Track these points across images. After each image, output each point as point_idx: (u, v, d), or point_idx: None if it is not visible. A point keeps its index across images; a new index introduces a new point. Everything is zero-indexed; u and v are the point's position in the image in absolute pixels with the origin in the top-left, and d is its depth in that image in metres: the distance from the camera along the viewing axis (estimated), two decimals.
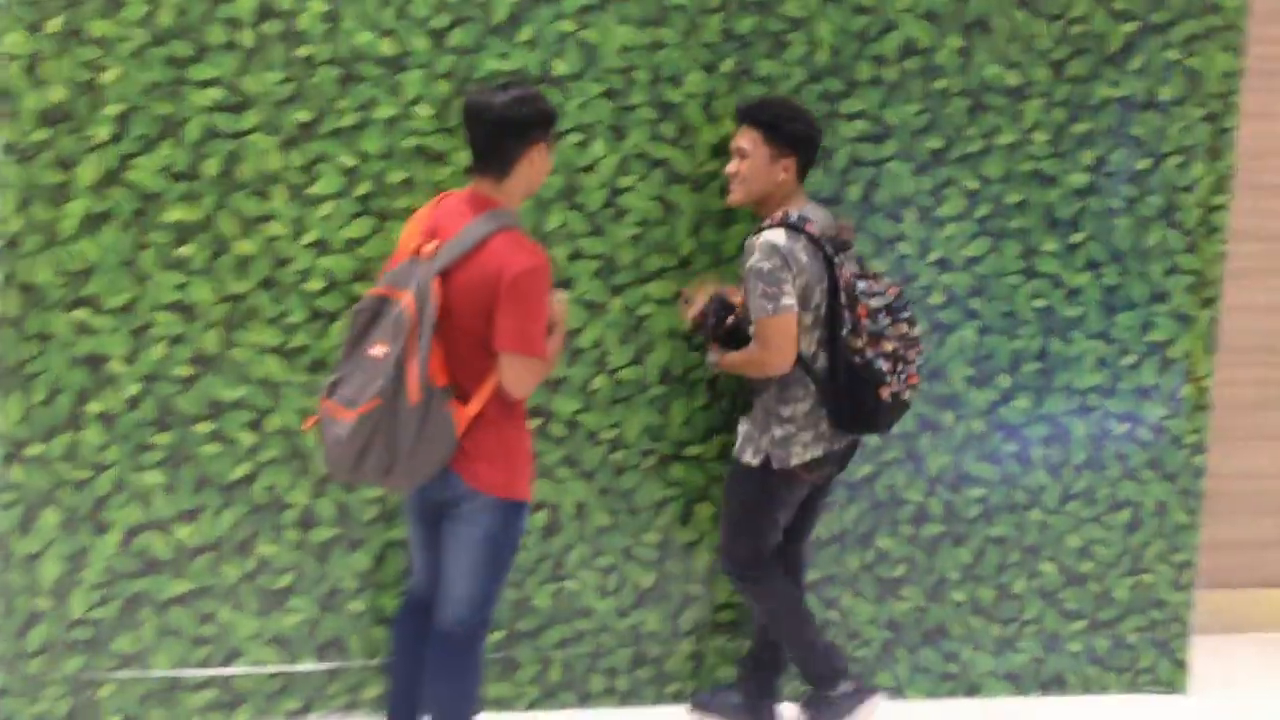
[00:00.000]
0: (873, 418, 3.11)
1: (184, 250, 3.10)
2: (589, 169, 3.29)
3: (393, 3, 3.12)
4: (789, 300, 3.05)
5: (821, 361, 3.14)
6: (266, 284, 3.14)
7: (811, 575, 3.55)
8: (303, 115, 3.11)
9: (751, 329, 3.10)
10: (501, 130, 2.63)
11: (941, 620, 3.64)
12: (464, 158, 3.21)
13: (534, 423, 3.33)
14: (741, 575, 3.26)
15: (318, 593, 3.26)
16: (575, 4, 3.22)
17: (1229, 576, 4.35)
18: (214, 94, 3.06)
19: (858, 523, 3.57)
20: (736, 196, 3.17)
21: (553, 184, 3.27)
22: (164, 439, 3.13)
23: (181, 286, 3.11)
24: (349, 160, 3.15)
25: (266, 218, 3.12)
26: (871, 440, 3.55)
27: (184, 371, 3.12)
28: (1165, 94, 3.56)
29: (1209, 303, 3.67)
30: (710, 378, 3.43)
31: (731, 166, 3.16)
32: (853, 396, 3.10)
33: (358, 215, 3.17)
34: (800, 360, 3.13)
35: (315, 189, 3.14)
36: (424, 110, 3.18)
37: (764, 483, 3.18)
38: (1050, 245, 3.58)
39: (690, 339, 3.39)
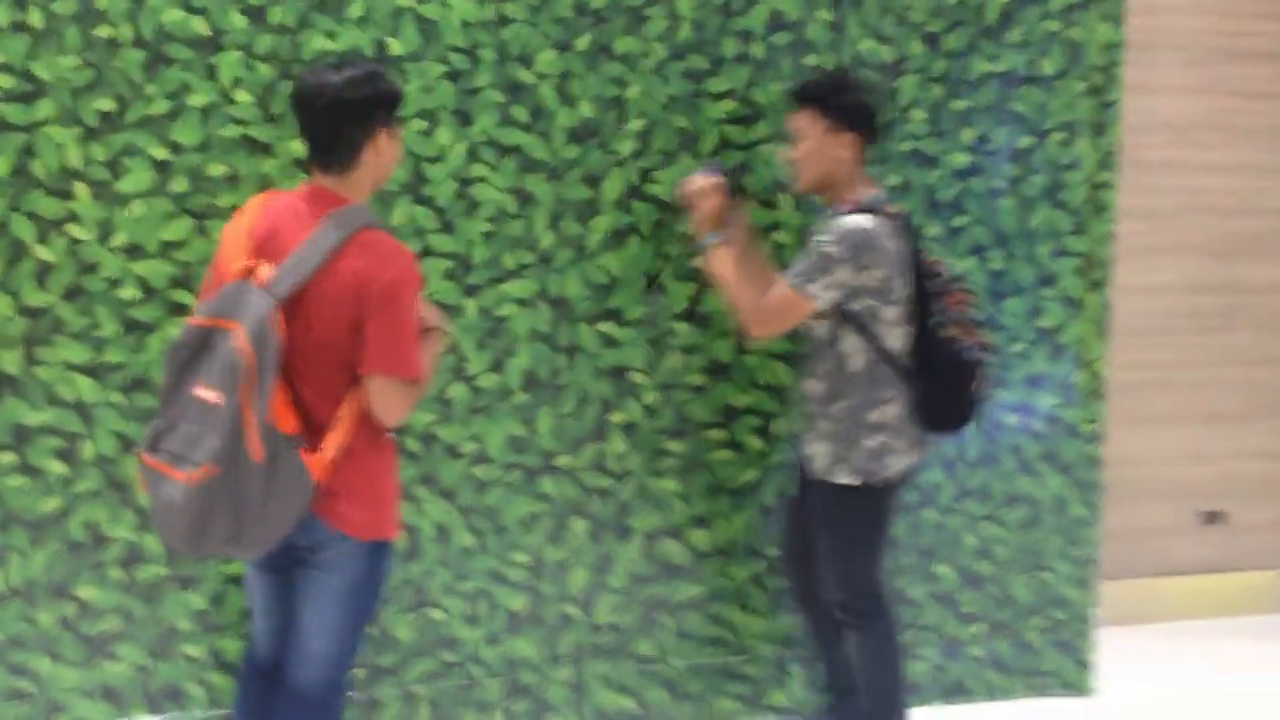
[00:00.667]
0: (969, 413, 2.90)
1: None
2: (435, 159, 3.01)
3: None
4: (822, 293, 2.81)
5: (909, 357, 2.90)
6: (71, 294, 2.80)
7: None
8: (105, 104, 2.77)
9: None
10: (340, 115, 2.31)
11: None
12: (294, 148, 2.90)
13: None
14: (860, 611, 2.95)
15: (147, 637, 2.91)
16: None
17: (1128, 566, 4.22)
18: (2, 82, 2.71)
19: (744, 532, 3.34)
20: (799, 183, 2.94)
21: (396, 176, 2.98)
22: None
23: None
24: (160, 153, 2.82)
25: (69, 218, 2.78)
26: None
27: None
28: (1046, 67, 3.40)
29: (1099, 285, 3.51)
30: (689, 310, 3.15)
31: (789, 152, 2.93)
32: (950, 392, 2.88)
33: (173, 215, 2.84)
34: (887, 358, 2.87)
35: (123, 185, 2.80)
36: (243, 95, 2.86)
37: (866, 502, 2.91)
38: (933, 229, 3.39)
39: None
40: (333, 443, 2.31)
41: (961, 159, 3.38)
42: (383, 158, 2.39)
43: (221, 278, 2.38)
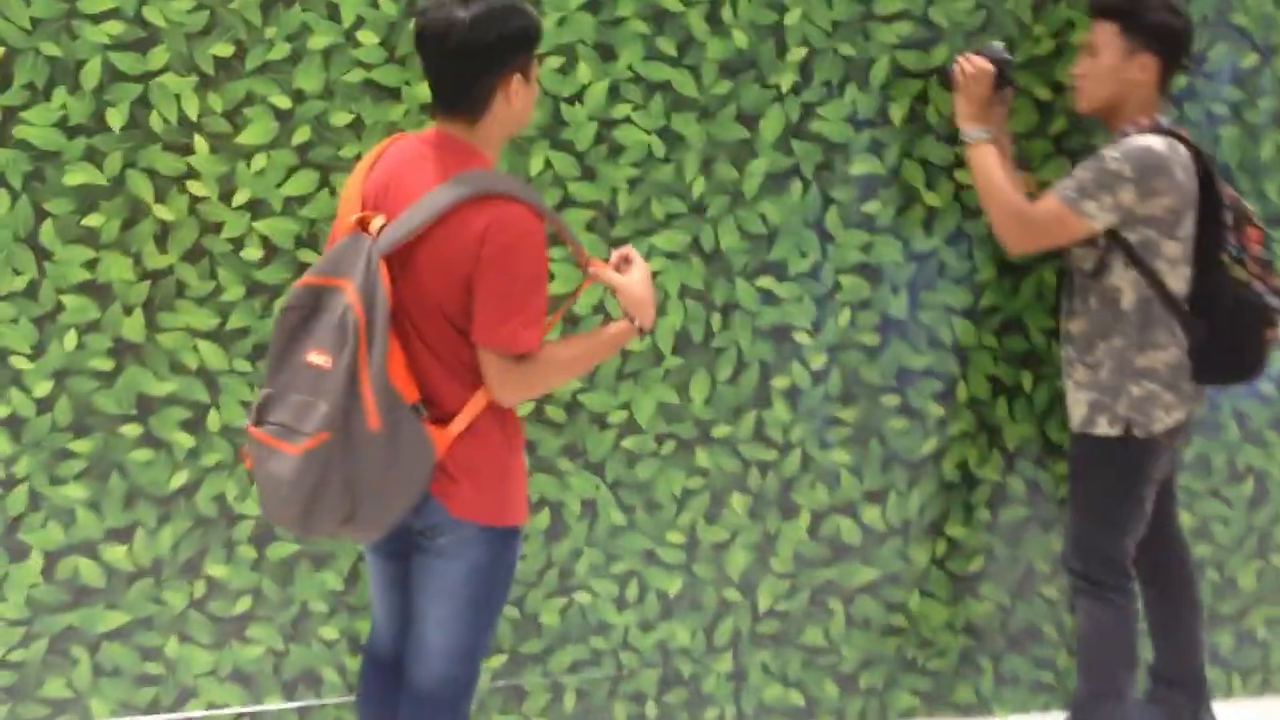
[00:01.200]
0: (1254, 366, 2.60)
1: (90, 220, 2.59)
2: (574, 99, 2.72)
3: None
4: (1099, 214, 2.52)
5: (1191, 297, 2.60)
6: (192, 255, 2.63)
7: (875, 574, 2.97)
8: (221, 50, 2.58)
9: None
10: (469, 59, 2.02)
11: (1032, 621, 3.04)
12: (421, 93, 2.66)
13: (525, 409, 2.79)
14: (1095, 580, 2.68)
15: (281, 620, 2.75)
16: None
17: None
18: (111, 29, 2.54)
19: (924, 510, 2.98)
20: (1084, 102, 2.66)
21: (532, 119, 2.71)
22: (83, 446, 2.63)
23: (90, 264, 2.60)
24: (281, 101, 2.61)
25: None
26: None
27: (101, 364, 2.62)
28: None
29: None
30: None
31: (1077, 66, 2.65)
32: (1234, 339, 2.57)
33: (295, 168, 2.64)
34: (1166, 298, 2.56)
35: (243, 138, 2.61)
36: (368, 36, 2.63)
37: (1127, 458, 2.61)
38: None
39: None
40: (462, 417, 2.07)
41: (1176, 82, 2.93)
42: (516, 104, 2.10)
43: (339, 229, 2.15)
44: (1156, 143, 2.53)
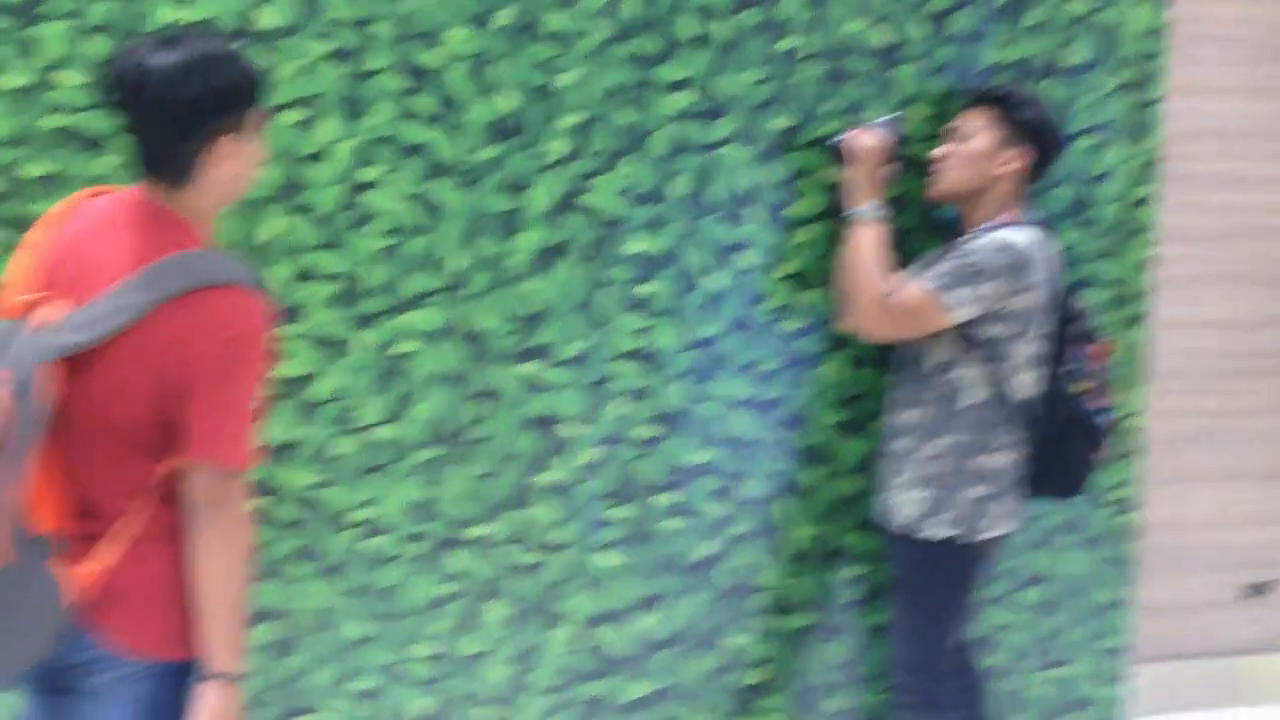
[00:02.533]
0: (1076, 485, 2.51)
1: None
2: (317, 157, 2.43)
3: None
4: (960, 306, 2.39)
5: (1032, 406, 2.49)
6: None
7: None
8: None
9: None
10: (168, 118, 1.70)
11: None
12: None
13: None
14: (929, 696, 2.51)
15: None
16: None
17: (1167, 646, 3.61)
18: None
19: (701, 618, 2.74)
20: (941, 185, 2.52)
21: (267, 179, 2.40)
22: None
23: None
24: None
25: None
26: None
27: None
28: (1072, 57, 2.82)
29: (1134, 321, 2.92)
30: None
31: (942, 149, 2.51)
32: (1068, 456, 2.48)
33: None
34: (1007, 402, 2.44)
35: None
36: (68, 77, 2.29)
37: (956, 562, 2.47)
38: (932, 250, 2.80)
39: None
40: (109, 549, 1.73)
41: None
42: (228, 169, 1.78)
43: (3, 305, 1.79)
44: (1023, 238, 2.43)
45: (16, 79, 2.26)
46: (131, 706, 1.75)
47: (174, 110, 1.70)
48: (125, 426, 1.73)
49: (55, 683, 1.85)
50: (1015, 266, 2.40)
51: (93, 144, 2.31)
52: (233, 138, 1.77)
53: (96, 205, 1.80)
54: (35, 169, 2.29)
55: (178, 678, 1.79)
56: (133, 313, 1.68)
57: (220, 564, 1.73)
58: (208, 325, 1.70)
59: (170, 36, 1.73)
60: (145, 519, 1.76)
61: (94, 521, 1.76)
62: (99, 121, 2.31)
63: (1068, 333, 2.53)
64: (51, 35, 2.27)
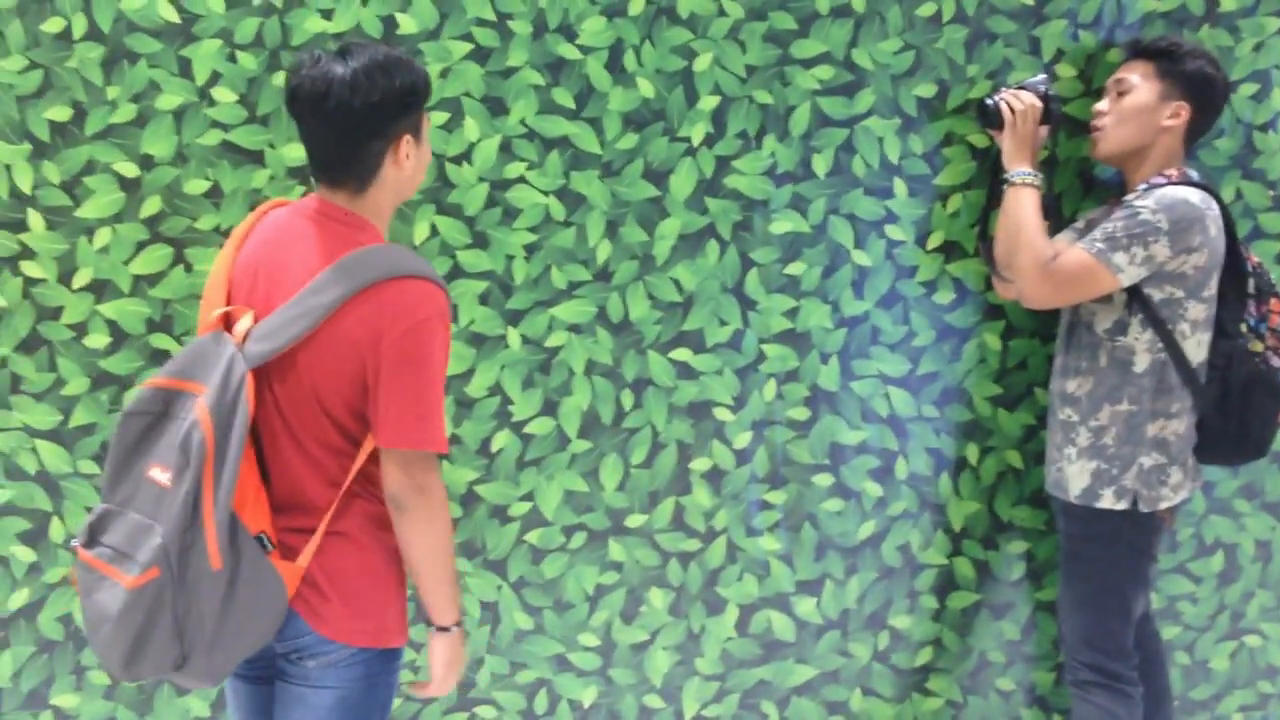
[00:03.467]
0: (1260, 446, 2.41)
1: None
2: (461, 158, 2.45)
3: None
4: (1129, 268, 2.30)
5: (1205, 369, 2.40)
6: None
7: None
8: (58, 113, 2.29)
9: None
10: (352, 122, 1.78)
11: (987, 718, 2.77)
12: (288, 154, 2.38)
13: None
14: (1111, 673, 2.45)
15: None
16: None
17: None
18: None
19: (864, 599, 2.70)
20: (1105, 145, 2.45)
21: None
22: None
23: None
24: (127, 169, 2.32)
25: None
26: None
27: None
28: (1227, 2, 2.69)
29: None
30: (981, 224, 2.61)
31: (1103, 104, 2.44)
32: (1242, 416, 2.38)
33: (147, 244, 2.34)
34: (1182, 365, 2.35)
35: (84, 211, 2.31)
36: (224, 94, 2.35)
37: (1133, 534, 2.40)
38: (1089, 210, 2.70)
39: None
40: (317, 543, 1.82)
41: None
42: (407, 168, 1.87)
43: (203, 322, 1.86)
44: (1193, 195, 2.32)
45: (174, 99, 2.33)
46: (342, 690, 1.84)
47: (360, 113, 1.77)
48: (324, 422, 1.81)
49: (262, 670, 1.95)
50: (1185, 224, 2.29)
51: (251, 157, 2.37)
52: (410, 138, 1.85)
53: (280, 217, 1.88)
54: (195, 186, 2.35)
55: (384, 661, 1.87)
56: (320, 313, 1.75)
57: (427, 541, 1.81)
58: (392, 315, 1.75)
59: (342, 49, 1.81)
60: (348, 512, 1.84)
61: (302, 517, 1.84)
62: (255, 136, 2.36)
63: (1246, 287, 2.41)
64: (202, 54, 2.33)
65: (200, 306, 1.91)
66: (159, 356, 2.36)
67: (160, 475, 1.73)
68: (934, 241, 2.64)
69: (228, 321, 1.82)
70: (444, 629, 1.88)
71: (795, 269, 2.60)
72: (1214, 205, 2.35)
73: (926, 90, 2.59)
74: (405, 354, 1.76)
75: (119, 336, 2.35)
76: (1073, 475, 2.45)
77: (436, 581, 1.84)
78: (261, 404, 1.82)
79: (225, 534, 1.70)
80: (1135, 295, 2.36)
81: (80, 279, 2.33)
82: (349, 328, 1.76)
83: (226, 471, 1.70)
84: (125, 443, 1.78)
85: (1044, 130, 2.51)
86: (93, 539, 1.78)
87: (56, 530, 2.36)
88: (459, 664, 1.91)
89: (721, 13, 2.50)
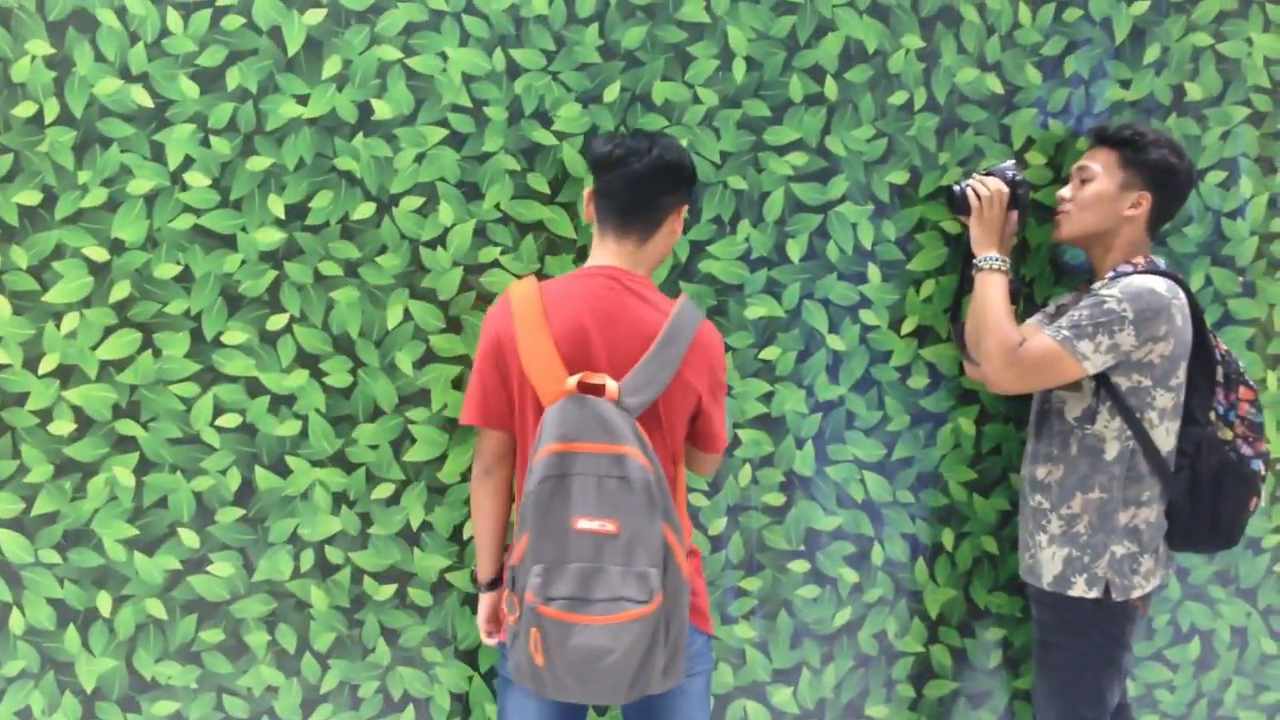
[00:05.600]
0: (1230, 535, 2.41)
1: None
2: (436, 242, 2.44)
3: (141, 38, 2.29)
4: (1094, 355, 2.31)
5: (1175, 457, 2.40)
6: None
7: None
8: (26, 196, 2.27)
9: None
10: (662, 180, 2.16)
11: None
12: (260, 239, 2.36)
13: None
14: None
15: None
16: (396, 24, 2.40)
17: None
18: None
19: (840, 688, 2.66)
20: (1067, 229, 2.47)
21: (388, 266, 2.42)
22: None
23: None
24: (96, 253, 2.30)
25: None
26: None
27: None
28: (1195, 92, 2.73)
29: (1276, 362, 2.80)
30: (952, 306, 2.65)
31: (1067, 190, 2.47)
32: (1215, 505, 2.39)
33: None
34: (1150, 453, 2.36)
35: (52, 296, 2.28)
36: (197, 178, 2.33)
37: (1106, 623, 2.39)
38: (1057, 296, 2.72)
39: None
40: (686, 538, 2.19)
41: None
42: (673, 235, 2.24)
43: (545, 391, 2.06)
44: (1159, 284, 2.33)
45: (145, 183, 2.31)
46: (705, 676, 2.23)
47: (669, 173, 2.15)
48: (671, 449, 2.15)
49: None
50: (1150, 313, 2.30)
51: (223, 241, 2.35)
52: (682, 209, 2.22)
53: (565, 286, 2.13)
54: (166, 270, 2.33)
55: (709, 646, 2.25)
56: (677, 362, 2.10)
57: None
58: (710, 353, 2.17)
59: (637, 132, 2.21)
60: (683, 520, 2.19)
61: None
62: (227, 220, 2.35)
63: (1212, 378, 2.42)
64: (178, 139, 2.32)
65: (535, 377, 2.06)
66: (125, 443, 2.33)
67: (591, 524, 1.98)
68: (908, 326, 2.65)
69: (586, 386, 2.06)
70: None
71: (770, 354, 2.60)
72: (1180, 294, 2.37)
73: (899, 177, 2.61)
74: (719, 382, 2.20)
75: (84, 422, 2.31)
76: (1045, 562, 2.44)
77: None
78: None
79: (685, 552, 2.08)
80: (1103, 383, 2.37)
81: (46, 364, 2.29)
82: (689, 372, 2.13)
83: (669, 504, 2.03)
84: (541, 507, 2.01)
85: (1013, 216, 2.53)
86: (547, 595, 1.99)
87: (16, 622, 2.31)
88: None
89: (695, 100, 2.52)
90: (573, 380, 2.04)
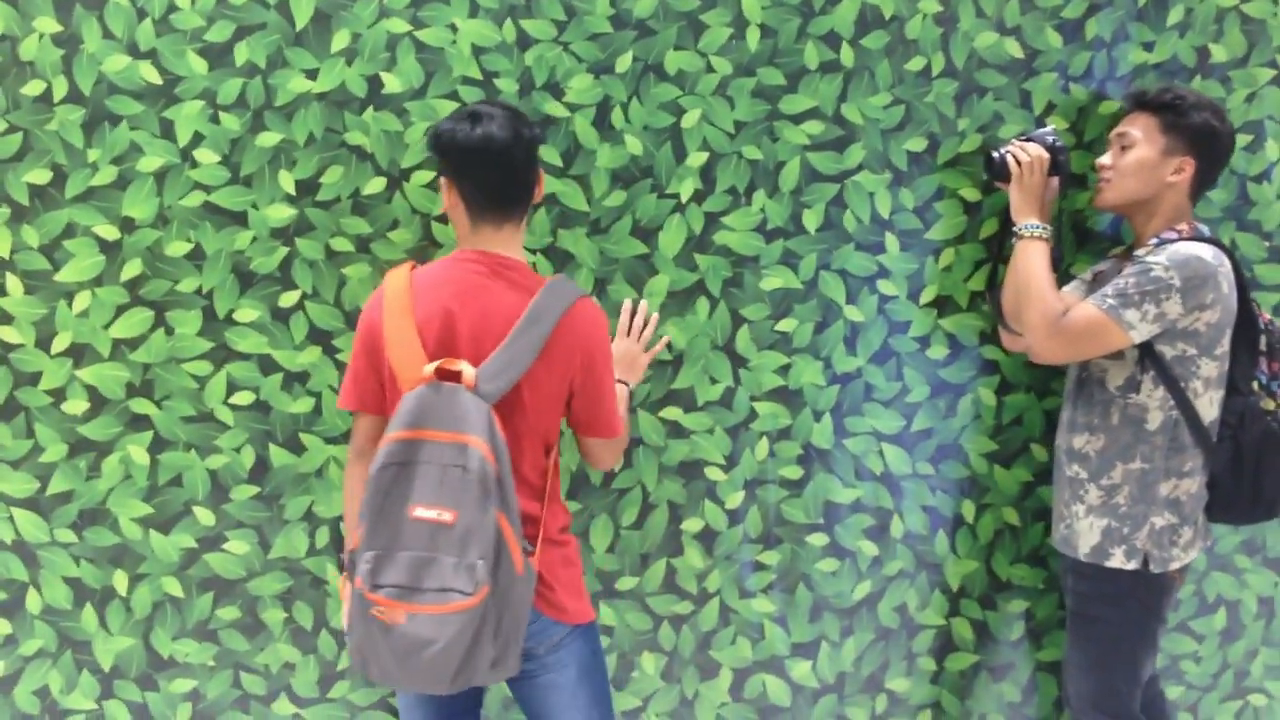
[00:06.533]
0: (1274, 507, 2.36)
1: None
2: (446, 217, 2.42)
3: (149, 15, 2.28)
4: (1140, 324, 2.27)
5: (1217, 428, 2.36)
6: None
7: None
8: (36, 175, 2.26)
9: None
10: (516, 161, 2.05)
11: None
12: (271, 215, 2.34)
13: None
14: None
15: None
16: None
17: None
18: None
19: (860, 662, 2.64)
20: (1109, 196, 2.42)
21: (400, 241, 2.40)
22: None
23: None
24: (107, 231, 2.29)
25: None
26: None
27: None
28: (1219, 54, 2.67)
29: None
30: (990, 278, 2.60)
31: (1107, 158, 2.42)
32: (1257, 477, 2.34)
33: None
34: (1193, 424, 2.32)
35: (63, 274, 2.28)
36: (207, 155, 2.32)
37: (1143, 594, 2.36)
38: (1081, 267, 2.68)
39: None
40: (544, 534, 2.10)
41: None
42: (537, 199, 2.17)
43: (405, 377, 2.01)
44: (1205, 251, 2.28)
45: (155, 160, 2.30)
46: (578, 663, 2.13)
47: (518, 156, 2.04)
48: (537, 443, 2.07)
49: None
50: (1197, 281, 2.25)
51: (234, 218, 2.33)
52: (542, 178, 2.14)
53: (440, 273, 2.05)
54: (177, 248, 2.32)
55: (594, 632, 2.16)
56: (532, 351, 2.01)
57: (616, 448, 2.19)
58: (584, 334, 2.06)
59: (473, 111, 2.05)
60: (550, 521, 2.11)
61: (530, 527, 2.08)
62: (238, 197, 2.33)
63: (1255, 347, 2.37)
64: (185, 115, 2.30)
65: (397, 363, 2.01)
66: (139, 422, 2.32)
67: (426, 513, 1.92)
68: (927, 296, 2.61)
69: (443, 373, 1.99)
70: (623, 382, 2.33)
71: (786, 325, 2.57)
72: (1226, 261, 2.32)
73: (917, 144, 2.57)
74: (598, 364, 2.08)
75: (98, 401, 2.31)
76: (1082, 532, 2.41)
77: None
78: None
79: (521, 547, 1.97)
80: (1147, 352, 2.32)
81: (59, 344, 2.29)
82: (555, 354, 2.03)
83: (509, 496, 1.95)
84: (380, 494, 1.95)
85: (1054, 182, 2.48)
86: (375, 581, 1.93)
87: (33, 601, 2.31)
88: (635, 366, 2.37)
89: (709, 69, 2.48)
90: (430, 367, 1.97)
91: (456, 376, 1.98)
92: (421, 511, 1.92)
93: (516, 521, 1.96)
